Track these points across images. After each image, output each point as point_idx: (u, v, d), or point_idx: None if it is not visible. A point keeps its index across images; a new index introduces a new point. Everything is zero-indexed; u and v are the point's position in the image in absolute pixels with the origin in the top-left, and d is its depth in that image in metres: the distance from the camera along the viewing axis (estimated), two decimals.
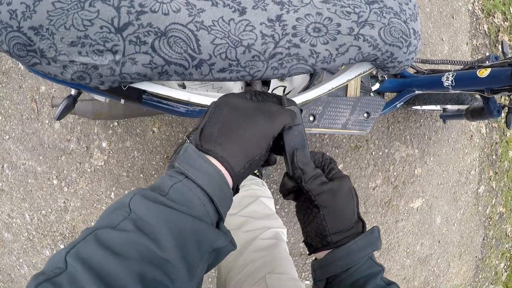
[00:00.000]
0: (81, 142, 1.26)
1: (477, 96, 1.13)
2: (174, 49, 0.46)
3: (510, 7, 1.91)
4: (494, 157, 1.82)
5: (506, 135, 1.86)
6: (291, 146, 0.42)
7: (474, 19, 1.76)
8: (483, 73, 0.89)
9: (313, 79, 0.95)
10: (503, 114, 1.00)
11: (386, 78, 1.17)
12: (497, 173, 1.86)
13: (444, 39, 1.64)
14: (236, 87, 0.86)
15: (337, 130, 1.04)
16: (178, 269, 0.29)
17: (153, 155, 1.29)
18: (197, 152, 0.35)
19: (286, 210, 1.40)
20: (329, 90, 0.67)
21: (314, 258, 0.45)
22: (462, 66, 1.01)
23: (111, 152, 1.27)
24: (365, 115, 1.04)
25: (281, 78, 0.59)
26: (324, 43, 0.52)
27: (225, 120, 0.37)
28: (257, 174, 1.21)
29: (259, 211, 0.88)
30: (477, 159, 1.75)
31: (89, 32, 0.44)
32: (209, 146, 0.36)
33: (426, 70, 1.14)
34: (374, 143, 1.50)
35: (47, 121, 1.27)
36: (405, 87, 1.12)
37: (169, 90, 0.58)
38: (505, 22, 1.89)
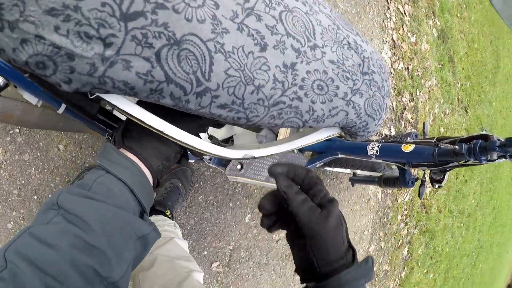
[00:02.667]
0: None
1: (394, 166, 1.24)
2: (183, 66, 0.37)
3: (417, 90, 2.31)
4: (385, 220, 2.09)
5: (397, 201, 2.17)
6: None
7: None
8: (408, 148, 0.97)
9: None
10: (415, 186, 1.09)
11: None
12: (386, 234, 2.13)
13: None
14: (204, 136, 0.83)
15: (261, 182, 1.08)
16: (106, 253, 0.33)
17: (53, 176, 1.14)
18: (116, 149, 0.41)
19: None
20: (298, 147, 0.67)
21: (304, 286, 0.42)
22: (386, 139, 1.11)
23: (5, 163, 1.07)
24: None
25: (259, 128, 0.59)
26: (322, 102, 0.51)
27: None
28: (169, 215, 1.20)
29: (174, 251, 0.87)
30: (371, 221, 1.97)
31: (83, 4, 0.30)
32: (130, 144, 0.43)
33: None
34: None
35: None
36: (329, 149, 1.18)
37: (149, 116, 0.44)
38: (411, 102, 2.26)
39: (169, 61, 0.36)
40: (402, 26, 2.29)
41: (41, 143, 1.13)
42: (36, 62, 0.31)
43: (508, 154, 0.80)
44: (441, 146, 0.88)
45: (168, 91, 0.38)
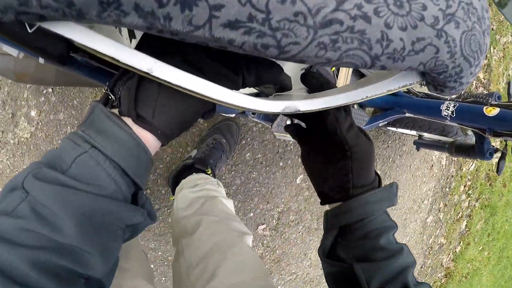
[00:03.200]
0: (7, 106, 1.02)
1: (470, 132, 1.07)
2: None
3: (491, 46, 1.95)
4: (447, 189, 1.87)
5: (462, 169, 1.92)
6: None
7: None
8: (491, 111, 0.81)
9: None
10: (493, 158, 0.94)
11: None
12: (446, 205, 1.92)
13: None
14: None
15: None
16: (84, 252, 0.28)
17: None
18: (107, 114, 0.29)
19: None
20: (361, 99, 0.47)
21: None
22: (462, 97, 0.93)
23: (41, 123, 1.04)
24: None
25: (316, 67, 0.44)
26: (401, 28, 0.33)
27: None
28: (210, 174, 1.09)
29: (221, 211, 0.78)
30: (432, 190, 1.77)
31: None
32: (145, 112, 0.31)
33: (420, 93, 1.04)
34: None
35: None
36: (396, 106, 1.02)
37: (115, 45, 0.28)
38: (484, 60, 1.93)
39: None
40: None
41: (75, 101, 1.06)
42: None
43: None
44: None
45: (131, 2, 0.23)
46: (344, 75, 1.03)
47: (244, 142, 1.23)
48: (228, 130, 1.14)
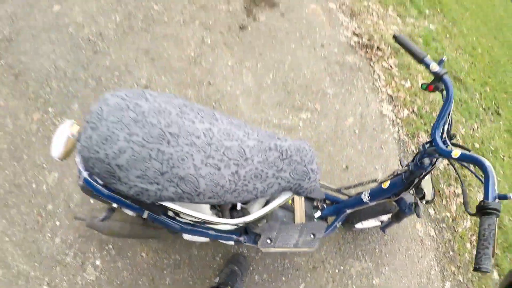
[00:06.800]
0: (77, 257, 1.47)
1: (393, 202, 1.38)
2: (188, 185, 0.82)
3: (431, 124, 2.31)
4: (451, 253, 1.99)
5: (457, 231, 2.08)
6: None
7: (401, 144, 2.17)
8: (386, 184, 1.20)
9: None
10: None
11: (325, 207, 1.49)
12: (460, 267, 1.99)
13: (377, 167, 2.01)
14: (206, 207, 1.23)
15: (290, 249, 1.31)
16: None
17: (140, 276, 1.50)
18: None
19: None
20: (270, 210, 1.05)
21: None
22: (372, 183, 1.34)
23: (103, 269, 1.47)
24: (311, 235, 1.34)
25: (241, 202, 0.98)
26: (260, 182, 0.91)
27: None
28: None
29: None
30: (434, 259, 1.92)
31: (147, 173, 0.77)
32: None
33: (355, 193, 1.44)
34: (330, 263, 1.71)
35: (49, 234, 1.47)
36: (339, 210, 1.42)
37: (186, 209, 0.96)
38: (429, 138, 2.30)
39: (182, 185, 0.82)
40: (393, 78, 2.44)
41: (128, 253, 1.53)
42: (136, 193, 0.80)
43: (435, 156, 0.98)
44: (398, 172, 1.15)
45: (186, 197, 0.84)
46: (299, 203, 1.51)
47: (251, 268, 1.60)
48: (237, 260, 1.55)
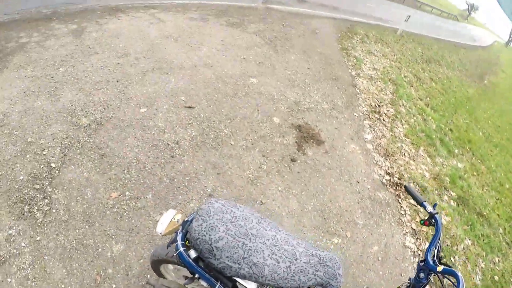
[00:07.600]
0: None
1: None
2: (257, 269, 1.03)
3: (451, 257, 2.41)
4: None
5: None
6: None
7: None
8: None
9: None
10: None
11: None
12: None
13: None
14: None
15: None
16: None
17: None
18: None
19: None
20: None
21: None
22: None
23: None
24: None
25: None
26: (303, 276, 1.13)
27: None
28: None
29: None
30: None
31: (233, 255, 1.02)
32: None
33: None
34: None
35: None
36: None
37: (251, 284, 1.16)
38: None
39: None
40: (418, 214, 2.68)
41: None
42: (223, 268, 1.04)
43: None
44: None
45: (253, 276, 1.07)
46: None
47: None
48: None
